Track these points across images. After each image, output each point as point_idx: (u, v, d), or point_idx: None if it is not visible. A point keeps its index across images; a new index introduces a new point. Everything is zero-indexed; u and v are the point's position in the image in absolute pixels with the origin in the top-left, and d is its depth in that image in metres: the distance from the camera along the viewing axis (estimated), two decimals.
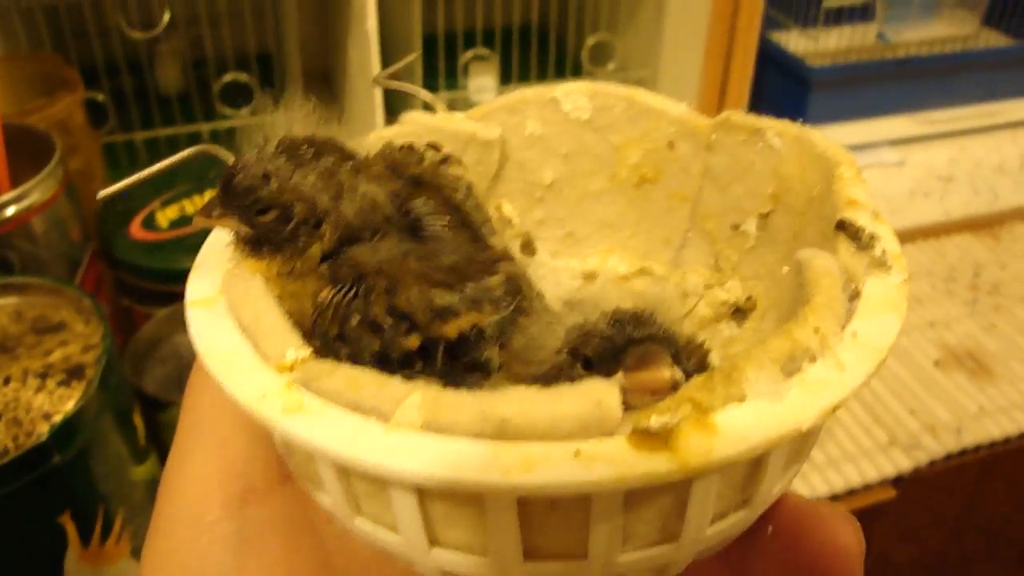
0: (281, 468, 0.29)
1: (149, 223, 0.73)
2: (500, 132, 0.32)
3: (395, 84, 0.34)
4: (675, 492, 0.21)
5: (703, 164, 0.32)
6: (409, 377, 0.22)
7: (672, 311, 0.27)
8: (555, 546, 0.21)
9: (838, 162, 0.27)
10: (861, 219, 0.25)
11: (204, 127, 0.98)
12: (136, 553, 0.58)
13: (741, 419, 0.20)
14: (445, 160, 0.30)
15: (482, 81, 1.10)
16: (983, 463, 0.86)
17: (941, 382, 0.90)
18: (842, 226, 0.25)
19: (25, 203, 0.62)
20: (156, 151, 0.97)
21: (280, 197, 0.26)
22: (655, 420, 0.19)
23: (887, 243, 0.25)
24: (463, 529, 0.21)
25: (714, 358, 0.26)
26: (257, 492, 0.28)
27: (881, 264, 0.24)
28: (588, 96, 0.33)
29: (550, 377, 0.23)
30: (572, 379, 0.21)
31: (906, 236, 1.08)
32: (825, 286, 0.23)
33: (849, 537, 0.24)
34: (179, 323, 0.70)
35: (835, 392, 0.21)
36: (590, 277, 0.35)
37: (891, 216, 1.10)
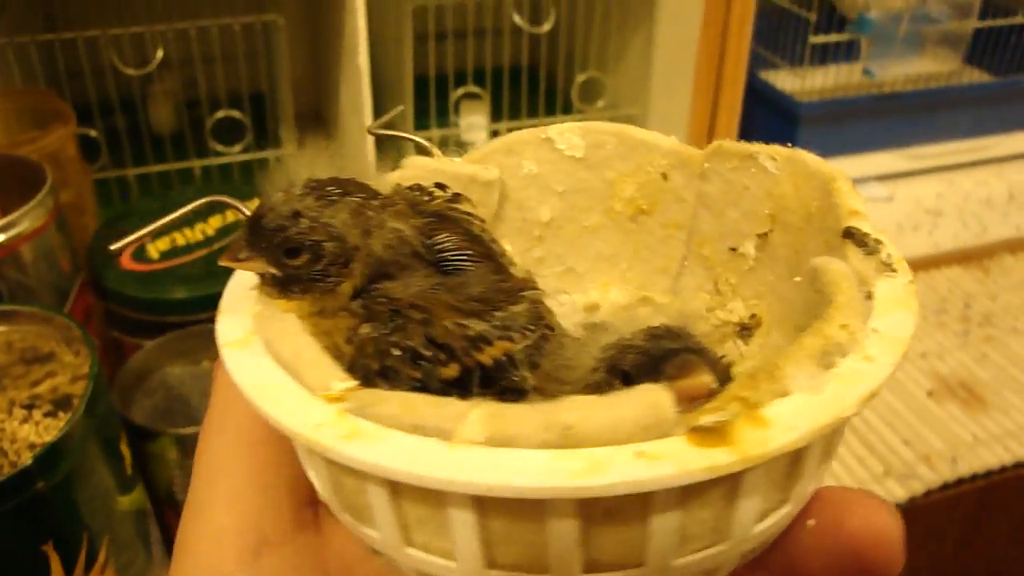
0: (294, 518, 0.29)
1: (140, 254, 0.73)
2: (498, 173, 0.33)
3: (389, 133, 0.35)
4: (726, 489, 0.21)
5: (697, 192, 0.33)
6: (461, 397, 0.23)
7: (696, 328, 0.30)
8: (613, 557, 0.22)
9: (833, 177, 0.29)
10: (865, 226, 0.26)
11: (196, 164, 0.99)
12: None
13: (788, 411, 0.21)
14: (455, 198, 0.31)
15: (473, 120, 1.11)
16: (980, 493, 0.85)
17: (935, 412, 0.89)
18: (849, 234, 0.26)
19: (14, 231, 0.62)
20: (148, 187, 0.97)
21: (310, 236, 0.26)
22: (707, 419, 0.20)
23: (890, 248, 0.26)
24: (522, 546, 0.22)
25: (736, 370, 0.27)
26: (270, 544, 0.29)
27: (888, 267, 0.26)
28: (581, 135, 0.34)
29: (587, 394, 0.23)
30: (611, 390, 0.22)
31: None
32: (844, 287, 0.24)
33: (888, 517, 0.24)
34: (168, 354, 0.70)
35: (869, 381, 0.22)
36: (592, 310, 0.36)
37: None
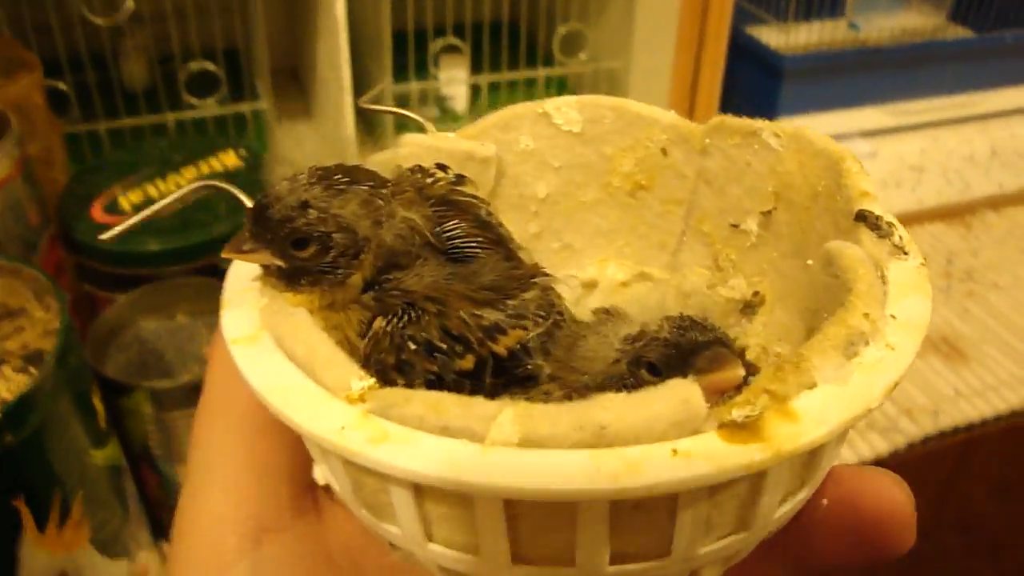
0: (293, 505, 0.29)
1: (111, 207, 0.72)
2: (495, 149, 0.32)
3: (381, 108, 0.35)
4: (753, 480, 0.21)
5: (697, 168, 0.33)
6: (474, 389, 0.23)
7: (697, 304, 0.31)
8: (639, 548, 0.22)
9: (842, 156, 0.28)
10: (877, 208, 0.26)
11: (170, 117, 0.96)
12: (97, 542, 0.56)
13: (817, 404, 0.21)
14: (459, 180, 0.30)
15: (453, 73, 1.09)
16: (960, 447, 0.86)
17: (917, 366, 0.89)
18: (862, 217, 0.26)
19: None
20: (120, 142, 0.95)
21: (319, 227, 0.25)
22: (737, 413, 0.20)
23: (901, 230, 0.26)
24: (551, 542, 0.22)
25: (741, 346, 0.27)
26: (270, 531, 0.29)
27: (900, 249, 0.26)
28: (578, 109, 0.33)
29: (608, 385, 0.24)
30: (636, 385, 0.23)
31: None
32: (862, 274, 0.24)
33: (900, 493, 0.24)
34: (142, 308, 0.68)
35: (893, 370, 0.22)
36: (590, 286, 0.35)
37: None
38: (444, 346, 0.25)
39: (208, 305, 0.70)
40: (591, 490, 0.19)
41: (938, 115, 1.27)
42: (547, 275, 0.29)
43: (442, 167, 0.30)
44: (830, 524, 0.25)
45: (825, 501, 0.25)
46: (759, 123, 0.31)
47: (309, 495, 0.31)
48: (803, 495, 0.24)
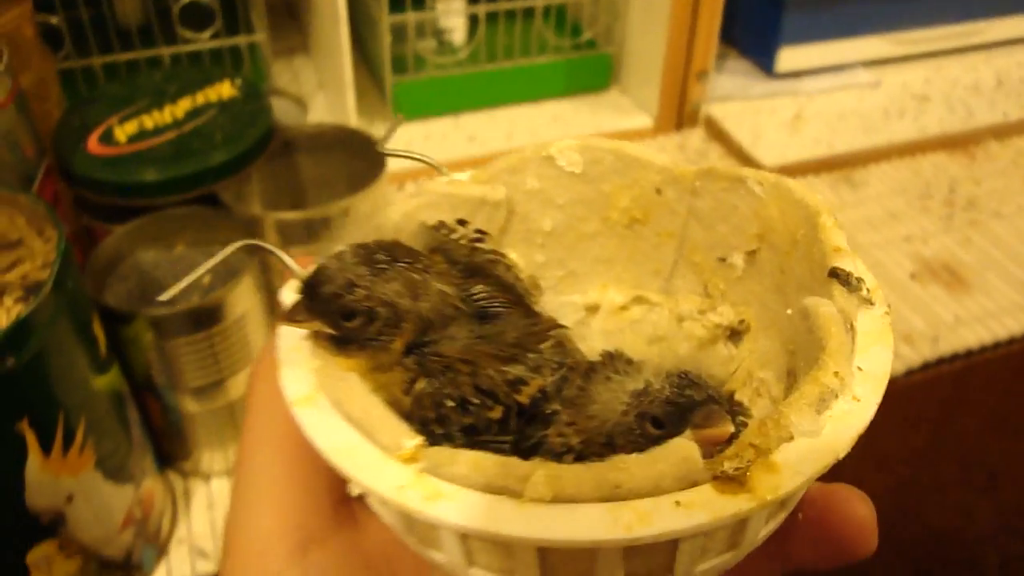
0: (335, 516, 0.33)
1: (107, 138, 0.71)
2: (505, 192, 0.36)
3: (399, 153, 0.37)
4: (742, 518, 0.25)
5: (688, 206, 0.36)
6: (492, 439, 0.28)
7: (690, 330, 0.37)
8: (648, 570, 0.26)
9: (818, 211, 0.32)
10: (848, 265, 0.30)
11: (165, 52, 0.96)
12: (102, 467, 0.57)
13: (794, 457, 0.25)
14: (480, 236, 0.34)
15: (450, 3, 1.08)
16: (959, 374, 0.86)
17: (917, 293, 0.89)
18: (835, 274, 0.30)
19: None
20: (116, 77, 0.94)
21: (365, 303, 0.29)
22: (728, 465, 0.24)
23: (868, 282, 0.30)
24: (577, 566, 0.26)
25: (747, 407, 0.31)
26: (315, 541, 0.32)
27: (867, 301, 0.29)
28: (579, 152, 0.36)
29: (618, 433, 0.28)
30: (642, 435, 0.27)
31: (881, 154, 1.07)
32: (834, 333, 0.27)
33: (863, 508, 0.29)
34: (141, 239, 0.68)
35: (858, 422, 0.26)
36: (592, 309, 0.39)
37: (867, 134, 1.09)
38: (477, 401, 0.29)
39: (207, 235, 0.70)
40: (609, 540, 0.23)
41: (942, 44, 1.25)
42: (562, 327, 0.33)
43: (462, 222, 0.34)
44: (805, 535, 0.29)
45: (800, 515, 0.29)
46: (745, 171, 0.34)
47: (346, 506, 0.34)
48: (783, 516, 0.28)
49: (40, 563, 0.56)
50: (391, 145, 0.37)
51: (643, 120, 1.11)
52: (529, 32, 1.08)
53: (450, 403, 0.29)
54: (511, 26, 1.08)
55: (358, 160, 0.78)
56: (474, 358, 0.30)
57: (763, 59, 1.19)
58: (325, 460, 0.26)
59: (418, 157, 0.37)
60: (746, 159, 1.05)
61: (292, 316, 0.29)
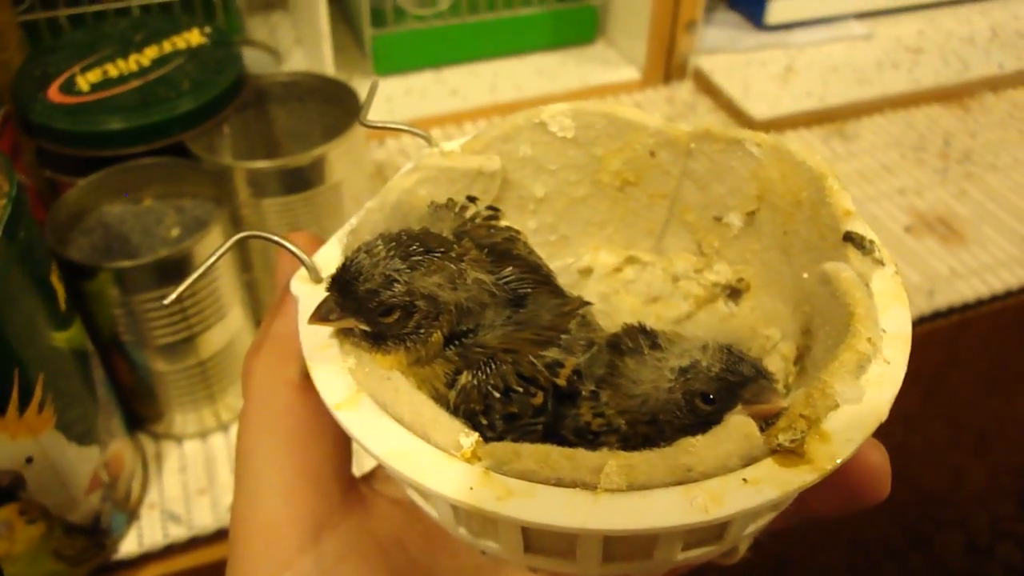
0: (344, 500, 0.33)
1: (69, 87, 0.68)
2: (499, 163, 0.36)
3: (384, 124, 0.36)
4: None
5: (682, 167, 0.36)
6: (529, 423, 0.29)
7: (686, 289, 0.37)
8: (701, 539, 0.27)
9: (823, 174, 0.32)
10: (860, 227, 0.30)
11: (134, 3, 0.92)
12: (62, 426, 0.54)
13: (842, 423, 0.25)
14: (493, 213, 0.34)
15: None
16: (954, 328, 0.84)
17: (912, 247, 0.87)
18: (850, 238, 0.30)
19: None
20: (83, 28, 0.90)
21: (405, 297, 0.28)
22: (783, 438, 0.25)
23: (879, 245, 0.30)
24: (634, 547, 0.26)
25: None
26: (326, 527, 0.32)
27: (879, 262, 0.30)
28: (572, 116, 0.36)
29: (664, 411, 0.28)
30: (692, 412, 0.28)
31: (875, 106, 1.05)
32: (860, 299, 0.28)
33: (879, 457, 0.29)
34: (106, 191, 0.65)
35: (893, 384, 0.26)
36: (586, 272, 0.39)
37: (859, 87, 1.06)
38: (520, 389, 0.29)
39: (175, 187, 0.67)
40: (687, 524, 0.24)
41: None
42: (586, 303, 0.32)
43: (471, 199, 0.34)
44: (822, 483, 0.29)
45: None
46: (742, 133, 0.34)
47: (354, 490, 0.34)
48: None
49: (0, 529, 0.54)
50: (373, 108, 0.35)
51: (630, 73, 1.08)
52: None
53: (496, 394, 0.29)
54: None
55: (334, 109, 0.75)
56: (515, 346, 0.29)
57: (753, 10, 1.16)
58: (384, 465, 0.26)
59: (405, 129, 0.36)
60: (736, 112, 1.02)
61: (324, 315, 0.28)
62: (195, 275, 0.30)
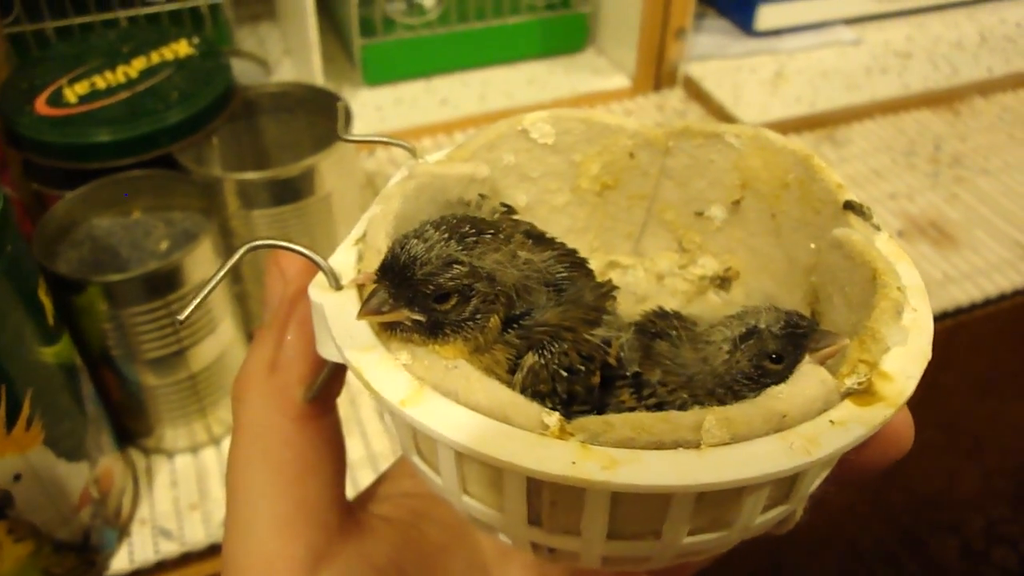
0: (341, 529, 0.32)
1: (56, 99, 0.67)
2: (488, 171, 0.35)
3: (364, 139, 0.36)
4: None
5: (660, 166, 0.37)
6: (581, 406, 0.29)
7: (672, 285, 0.37)
8: (782, 493, 0.27)
9: (809, 155, 0.33)
10: (853, 196, 0.32)
11: (122, 14, 0.91)
12: (51, 442, 0.54)
13: (898, 363, 0.27)
14: (509, 210, 0.34)
15: None
16: (948, 333, 0.84)
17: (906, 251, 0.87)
18: (850, 206, 0.31)
19: None
20: (70, 40, 0.89)
21: (465, 280, 0.27)
22: (850, 382, 0.26)
23: (873, 211, 0.32)
24: (728, 499, 0.26)
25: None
26: (324, 558, 0.31)
27: (876, 227, 0.31)
28: (551, 123, 0.36)
29: (732, 378, 0.29)
30: (764, 373, 0.29)
31: (865, 112, 1.05)
32: (877, 256, 0.29)
33: (901, 411, 0.29)
34: (94, 204, 0.65)
35: (927, 326, 0.28)
36: None
37: (849, 92, 1.06)
38: (583, 368, 0.29)
39: (165, 200, 0.66)
40: (792, 467, 0.24)
41: (924, 1, 1.23)
42: (615, 287, 0.33)
43: (483, 196, 0.34)
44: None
45: None
46: (722, 126, 0.35)
47: (351, 517, 0.33)
48: None
49: None
50: (355, 126, 0.35)
51: (621, 81, 1.08)
52: None
53: (564, 373, 0.29)
54: None
55: (324, 120, 0.75)
56: (573, 324, 0.29)
57: (742, 17, 1.16)
58: (469, 454, 0.25)
59: (387, 141, 0.35)
60: (727, 119, 1.02)
61: (377, 308, 0.27)
62: (207, 289, 0.29)
